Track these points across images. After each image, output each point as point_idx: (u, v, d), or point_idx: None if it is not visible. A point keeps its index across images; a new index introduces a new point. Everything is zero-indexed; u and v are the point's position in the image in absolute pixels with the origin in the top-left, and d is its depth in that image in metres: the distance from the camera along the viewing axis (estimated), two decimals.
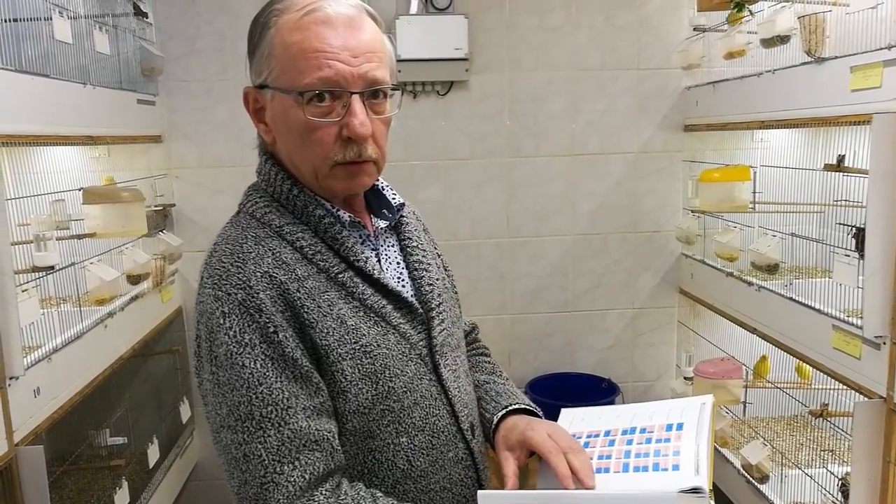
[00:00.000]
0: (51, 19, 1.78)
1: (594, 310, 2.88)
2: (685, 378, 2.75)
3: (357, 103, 0.96)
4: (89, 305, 1.95)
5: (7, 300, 1.47)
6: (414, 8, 2.60)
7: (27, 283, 1.59)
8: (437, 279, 1.13)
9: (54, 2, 1.80)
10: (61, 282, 1.83)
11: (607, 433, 1.05)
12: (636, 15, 2.69)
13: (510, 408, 1.12)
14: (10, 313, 1.47)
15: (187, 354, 2.74)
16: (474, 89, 2.69)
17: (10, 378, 1.49)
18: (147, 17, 2.45)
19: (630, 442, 1.01)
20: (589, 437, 1.06)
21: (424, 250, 1.14)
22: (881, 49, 1.57)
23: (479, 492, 0.93)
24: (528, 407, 1.14)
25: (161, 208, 2.53)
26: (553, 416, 1.13)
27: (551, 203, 2.79)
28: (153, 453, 2.28)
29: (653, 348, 2.92)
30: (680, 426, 1.00)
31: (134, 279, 2.20)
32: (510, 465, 1.02)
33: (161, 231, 2.51)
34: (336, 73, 0.94)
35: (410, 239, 1.13)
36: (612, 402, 2.64)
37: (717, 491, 2.58)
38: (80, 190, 1.91)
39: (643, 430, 1.02)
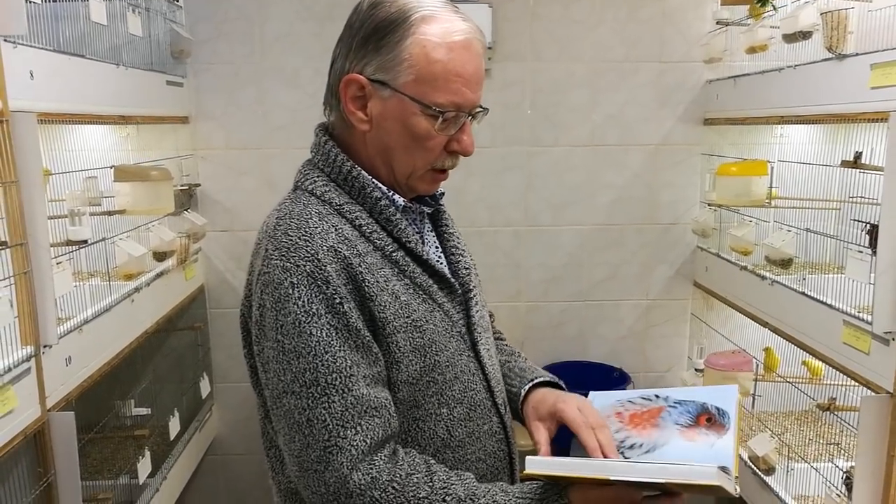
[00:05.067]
0: (87, 0, 1.84)
1: (608, 300, 2.91)
2: (696, 370, 2.78)
3: (469, 125, 1.08)
4: (117, 280, 2.02)
5: (43, 272, 1.53)
6: None
7: (61, 255, 1.65)
8: (471, 264, 1.21)
9: None
10: (92, 256, 1.90)
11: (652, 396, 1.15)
12: (659, 8, 2.70)
13: (537, 380, 1.20)
14: (45, 284, 1.54)
15: (208, 332, 2.81)
16: (496, 78, 2.72)
17: (45, 346, 1.56)
18: (178, 1, 2.50)
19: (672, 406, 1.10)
20: (630, 398, 1.15)
21: (458, 237, 1.22)
22: None
23: (528, 457, 0.98)
24: (553, 380, 1.22)
25: (187, 188, 2.60)
26: None
27: (569, 193, 2.82)
28: (174, 426, 2.35)
29: (665, 339, 2.95)
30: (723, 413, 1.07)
31: (159, 256, 2.26)
32: (542, 434, 1.10)
33: (186, 210, 2.57)
34: (466, 99, 1.04)
35: (447, 226, 1.22)
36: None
37: None
38: (111, 168, 1.97)
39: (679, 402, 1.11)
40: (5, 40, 1.45)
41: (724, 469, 0.92)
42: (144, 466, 2.08)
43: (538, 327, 2.91)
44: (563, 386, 1.23)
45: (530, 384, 1.20)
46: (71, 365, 1.68)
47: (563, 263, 2.87)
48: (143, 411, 2.15)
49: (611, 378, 2.83)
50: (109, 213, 1.95)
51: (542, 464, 1.00)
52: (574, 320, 2.91)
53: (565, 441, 1.12)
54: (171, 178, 2.08)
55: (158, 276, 2.26)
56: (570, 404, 1.11)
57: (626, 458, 1.06)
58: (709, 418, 1.06)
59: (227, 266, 2.80)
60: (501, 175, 2.78)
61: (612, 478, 0.94)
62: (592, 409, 1.11)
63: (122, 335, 1.99)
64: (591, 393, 1.20)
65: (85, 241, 1.73)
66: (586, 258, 2.87)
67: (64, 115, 1.71)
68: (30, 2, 1.52)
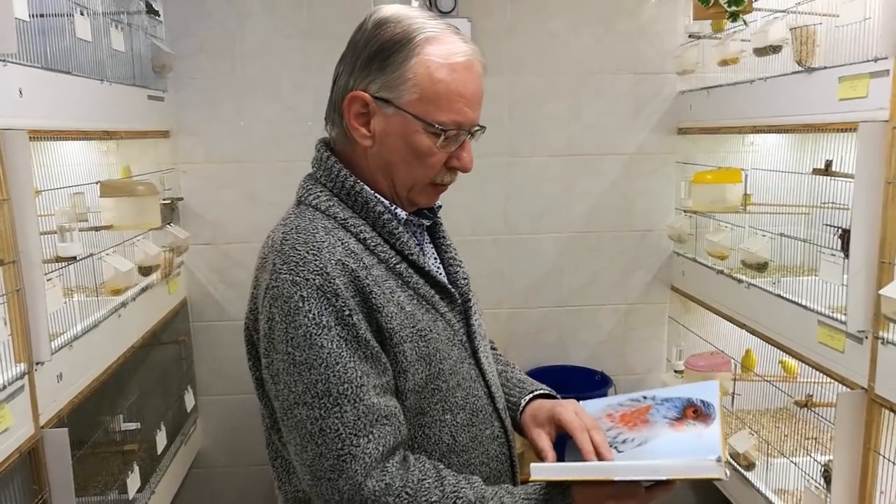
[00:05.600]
0: (73, 16, 1.84)
1: (588, 305, 2.97)
2: (675, 371, 2.85)
3: (468, 143, 1.11)
4: (105, 295, 2.01)
5: (36, 289, 1.53)
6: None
7: (51, 272, 1.65)
8: (468, 275, 1.24)
9: (76, 0, 1.86)
10: (79, 272, 1.90)
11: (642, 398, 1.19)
12: (634, 21, 2.78)
13: (536, 392, 1.24)
14: (38, 301, 1.54)
15: (192, 345, 2.81)
16: None
17: (38, 363, 1.56)
18: (158, 16, 2.50)
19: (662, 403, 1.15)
20: (619, 402, 1.19)
21: (455, 249, 1.25)
22: (868, 61, 1.67)
23: (532, 465, 1.01)
24: (550, 392, 1.26)
25: (169, 202, 2.59)
26: None
27: (549, 202, 2.87)
28: (161, 440, 2.34)
29: (644, 343, 3.02)
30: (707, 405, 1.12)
31: (145, 271, 2.26)
32: (545, 440, 1.14)
33: (168, 224, 2.56)
34: (467, 119, 1.08)
35: (444, 238, 1.25)
36: (605, 394, 2.73)
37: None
38: (97, 183, 1.97)
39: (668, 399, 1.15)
40: None
41: (717, 460, 0.97)
42: (134, 481, 2.07)
43: (520, 334, 2.95)
44: (558, 397, 1.27)
45: (530, 395, 1.24)
46: (62, 381, 1.68)
47: (544, 271, 2.92)
48: (132, 426, 2.14)
49: (593, 381, 2.89)
50: (96, 229, 1.94)
51: (546, 470, 1.04)
52: (555, 326, 2.97)
53: (560, 447, 1.16)
54: (157, 193, 2.08)
55: (143, 290, 2.25)
56: (567, 408, 1.16)
57: (619, 451, 1.10)
58: (695, 410, 1.11)
59: (209, 279, 2.80)
60: (482, 186, 2.83)
61: (616, 479, 0.99)
62: (586, 413, 1.16)
63: (111, 350, 1.98)
64: (581, 403, 1.24)
65: (74, 258, 1.73)
66: (566, 265, 2.93)
67: (52, 132, 1.71)
68: (17, 19, 1.52)
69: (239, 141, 2.72)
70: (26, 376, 1.52)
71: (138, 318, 2.21)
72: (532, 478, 1.02)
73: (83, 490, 2.00)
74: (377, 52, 1.06)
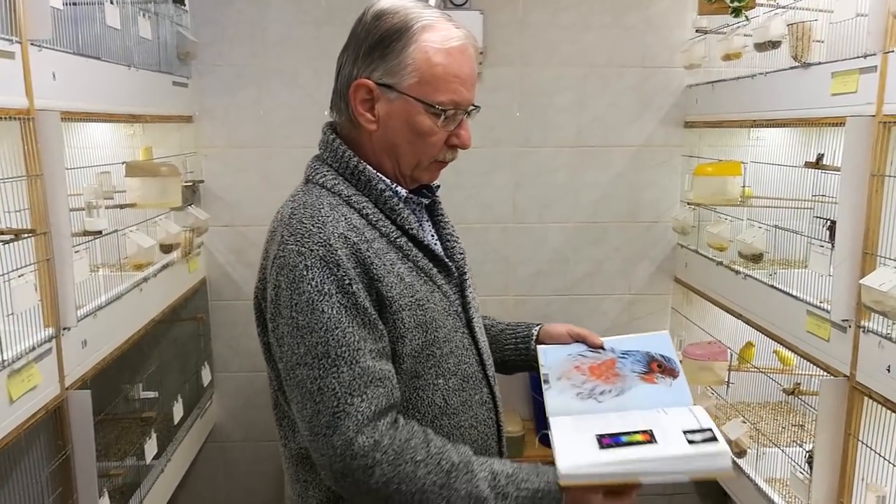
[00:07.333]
0: (103, 4, 1.95)
1: (593, 294, 3.04)
2: None
3: (465, 121, 1.20)
4: (128, 270, 2.13)
5: (64, 259, 1.65)
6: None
7: (79, 244, 1.77)
8: (465, 251, 1.34)
9: None
10: (105, 246, 2.02)
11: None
12: (642, 15, 2.84)
13: (541, 325, 1.42)
14: (66, 270, 1.66)
15: (209, 322, 2.93)
16: (487, 81, 2.84)
17: (64, 328, 1.68)
18: (184, 5, 2.61)
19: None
20: (580, 352, 1.31)
21: (452, 226, 1.34)
22: (858, 57, 1.72)
23: (561, 468, 1.05)
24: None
25: (190, 184, 2.71)
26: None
27: (556, 192, 2.95)
28: (178, 411, 2.47)
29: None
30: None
31: (166, 248, 2.37)
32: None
33: (189, 205, 2.68)
34: (463, 98, 1.17)
35: (443, 215, 1.34)
36: None
37: None
38: (123, 164, 2.09)
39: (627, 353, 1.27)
40: (31, 44, 1.57)
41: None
42: (151, 448, 2.19)
43: (525, 319, 3.02)
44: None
45: (538, 326, 1.41)
46: (86, 347, 1.80)
47: (549, 259, 3.00)
48: (151, 395, 2.26)
49: None
50: (121, 206, 2.06)
51: (577, 477, 1.05)
52: (560, 313, 3.04)
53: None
54: (179, 175, 2.19)
55: (164, 267, 2.37)
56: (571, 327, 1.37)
57: (598, 402, 1.20)
58: (659, 364, 1.23)
59: (227, 259, 2.92)
60: (491, 174, 2.91)
61: (643, 480, 1.04)
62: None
63: (132, 322, 2.11)
64: (540, 347, 1.34)
65: (100, 232, 1.85)
66: (571, 254, 3.00)
67: (82, 114, 1.82)
68: (52, 7, 1.63)
69: (259, 126, 2.83)
70: (53, 340, 1.64)
71: (159, 294, 2.33)
72: (562, 482, 1.05)
73: (103, 453, 2.13)
74: (378, 42, 1.15)
